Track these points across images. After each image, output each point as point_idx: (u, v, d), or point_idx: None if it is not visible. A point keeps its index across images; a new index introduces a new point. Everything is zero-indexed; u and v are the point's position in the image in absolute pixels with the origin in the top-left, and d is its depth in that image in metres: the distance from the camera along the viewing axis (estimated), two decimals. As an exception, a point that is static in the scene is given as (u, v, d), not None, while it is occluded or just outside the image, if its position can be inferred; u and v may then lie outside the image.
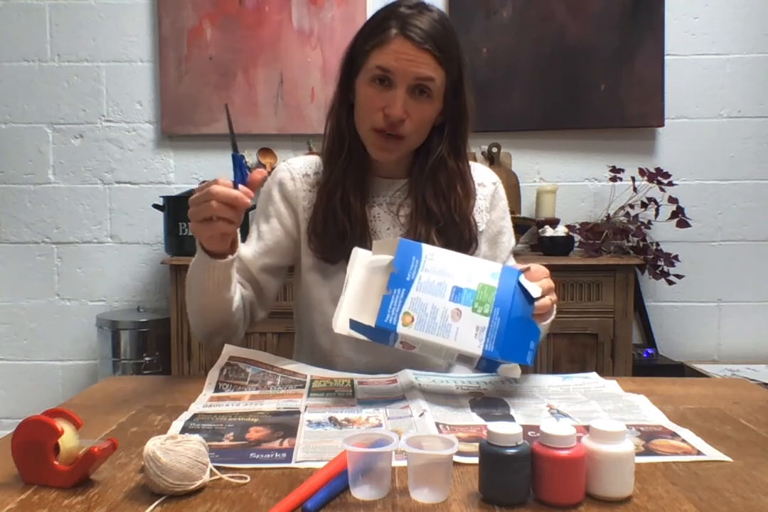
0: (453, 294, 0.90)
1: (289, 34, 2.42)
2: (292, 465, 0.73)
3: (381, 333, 0.90)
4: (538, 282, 0.96)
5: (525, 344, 0.91)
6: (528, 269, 0.98)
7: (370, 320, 0.89)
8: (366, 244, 1.10)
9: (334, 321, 0.94)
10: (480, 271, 0.93)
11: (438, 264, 0.92)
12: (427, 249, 0.94)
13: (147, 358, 2.20)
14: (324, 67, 2.41)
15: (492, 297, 0.91)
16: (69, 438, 0.69)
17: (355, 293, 0.94)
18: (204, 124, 2.43)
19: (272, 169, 1.20)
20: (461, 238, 1.17)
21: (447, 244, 1.12)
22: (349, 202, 1.14)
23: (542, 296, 0.95)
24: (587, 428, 0.68)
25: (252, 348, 1.14)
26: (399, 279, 0.90)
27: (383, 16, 1.09)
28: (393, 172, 1.20)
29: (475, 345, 0.89)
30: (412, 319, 0.88)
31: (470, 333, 0.89)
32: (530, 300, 0.93)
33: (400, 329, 0.88)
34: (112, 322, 2.23)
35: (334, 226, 1.14)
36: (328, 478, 0.66)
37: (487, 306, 0.90)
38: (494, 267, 0.95)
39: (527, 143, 2.43)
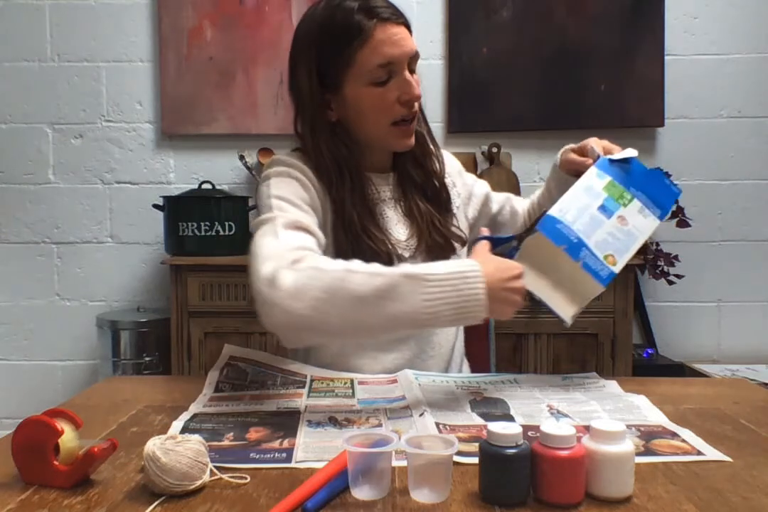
0: (603, 213, 1.02)
1: (289, 34, 2.39)
2: (292, 465, 0.73)
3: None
4: (605, 147, 1.11)
5: (667, 189, 1.08)
6: (586, 147, 1.12)
7: (590, 293, 0.99)
8: (386, 245, 1.09)
9: (564, 314, 1.00)
10: (590, 183, 1.04)
11: (573, 212, 1.01)
12: (555, 213, 1.00)
13: (147, 358, 2.19)
14: (324, 67, 2.41)
15: (618, 186, 1.05)
16: (69, 438, 0.69)
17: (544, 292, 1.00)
18: (204, 124, 2.43)
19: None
20: (444, 200, 1.19)
21: (438, 209, 1.17)
22: (368, 230, 1.08)
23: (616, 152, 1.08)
24: (587, 428, 0.68)
25: (252, 348, 1.14)
26: (572, 247, 0.99)
27: (341, 19, 1.03)
28: (384, 163, 1.18)
29: (651, 224, 1.04)
30: (612, 256, 1.00)
31: (642, 220, 1.04)
32: (633, 163, 1.07)
33: (615, 270, 1.00)
34: (112, 322, 2.23)
35: (361, 253, 1.04)
36: (328, 478, 0.66)
37: (626, 193, 1.04)
38: (589, 176, 1.05)
39: (527, 143, 2.43)
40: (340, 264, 0.90)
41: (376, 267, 0.89)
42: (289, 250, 0.92)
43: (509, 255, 1.00)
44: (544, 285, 0.99)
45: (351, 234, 1.07)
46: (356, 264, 0.90)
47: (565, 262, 0.99)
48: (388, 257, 1.07)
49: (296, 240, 0.96)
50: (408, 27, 1.07)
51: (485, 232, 1.05)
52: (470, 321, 0.89)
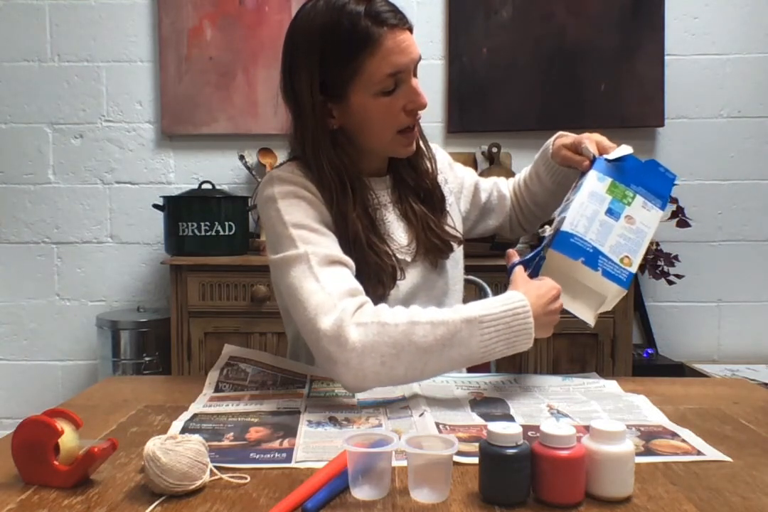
0: (611, 216, 1.03)
1: (289, 34, 2.42)
2: (292, 465, 0.73)
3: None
4: (599, 144, 1.11)
5: (663, 177, 1.09)
6: (580, 145, 1.12)
7: (613, 297, 1.01)
8: (390, 258, 1.08)
9: (588, 318, 1.03)
10: (593, 189, 1.04)
11: (584, 222, 1.02)
12: (567, 227, 1.00)
13: (147, 358, 2.19)
14: (324, 67, 2.41)
15: (619, 186, 1.05)
16: (69, 438, 0.69)
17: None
18: (204, 124, 2.43)
19: (272, 169, 1.17)
20: (437, 200, 1.18)
21: (432, 210, 1.16)
22: (373, 245, 1.07)
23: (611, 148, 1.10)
24: (587, 428, 0.68)
25: (252, 348, 1.14)
26: (590, 258, 1.00)
27: (347, 26, 0.98)
28: (381, 166, 1.17)
29: (655, 216, 1.06)
30: (628, 257, 1.02)
31: (647, 215, 1.05)
32: (628, 159, 1.08)
33: (633, 269, 1.02)
34: (112, 322, 2.23)
35: (367, 267, 1.06)
36: (328, 478, 0.66)
37: (628, 192, 1.06)
38: (591, 181, 1.05)
39: (527, 143, 2.42)
40: (403, 315, 0.91)
41: (435, 313, 0.92)
42: (340, 298, 0.92)
43: (538, 265, 1.02)
44: (567, 294, 1.00)
45: (356, 248, 1.04)
46: (417, 312, 0.92)
47: (585, 272, 1.00)
48: (392, 269, 1.08)
49: (340, 281, 0.96)
50: (412, 30, 1.04)
51: (515, 257, 1.05)
52: (519, 351, 0.93)
